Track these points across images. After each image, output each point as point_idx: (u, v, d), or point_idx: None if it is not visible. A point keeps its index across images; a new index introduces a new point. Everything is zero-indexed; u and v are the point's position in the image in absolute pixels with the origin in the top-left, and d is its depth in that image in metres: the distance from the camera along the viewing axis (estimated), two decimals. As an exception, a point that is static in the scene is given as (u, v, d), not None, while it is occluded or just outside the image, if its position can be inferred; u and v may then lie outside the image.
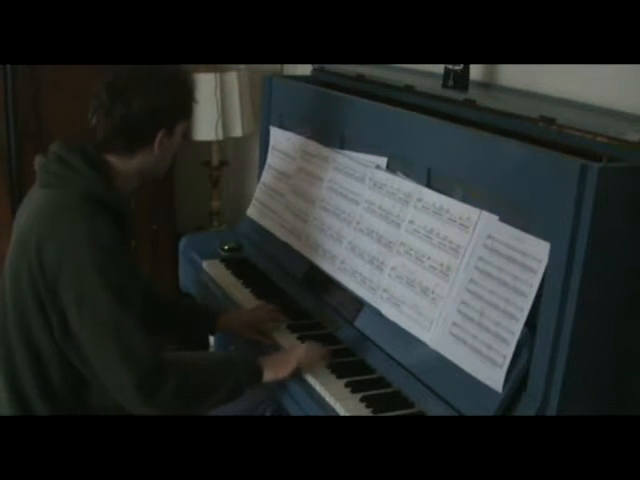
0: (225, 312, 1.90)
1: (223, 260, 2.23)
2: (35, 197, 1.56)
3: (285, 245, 2.07)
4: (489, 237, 1.45)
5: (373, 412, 1.48)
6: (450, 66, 1.84)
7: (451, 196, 1.58)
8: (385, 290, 1.69)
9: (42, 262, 1.45)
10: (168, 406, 1.47)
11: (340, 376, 1.60)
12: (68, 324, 1.47)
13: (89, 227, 1.45)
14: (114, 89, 1.51)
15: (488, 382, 1.39)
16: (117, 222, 1.50)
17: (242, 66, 2.87)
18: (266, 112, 2.33)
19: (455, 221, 1.54)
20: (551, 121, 1.48)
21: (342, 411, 1.49)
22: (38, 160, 1.57)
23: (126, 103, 1.50)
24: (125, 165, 1.57)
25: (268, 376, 1.59)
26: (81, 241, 1.44)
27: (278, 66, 2.77)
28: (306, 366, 1.61)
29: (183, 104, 1.60)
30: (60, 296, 1.45)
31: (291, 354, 1.63)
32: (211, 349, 2.41)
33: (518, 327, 1.36)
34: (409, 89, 1.88)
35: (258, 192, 2.29)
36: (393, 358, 1.61)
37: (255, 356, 1.62)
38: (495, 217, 1.46)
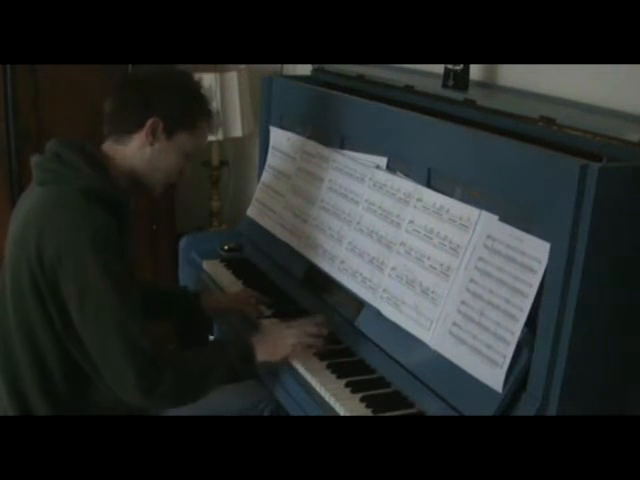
0: (205, 292, 1.99)
1: (223, 260, 2.23)
2: (32, 195, 1.56)
3: (285, 245, 2.07)
4: (489, 237, 1.45)
5: (373, 412, 1.48)
6: (450, 66, 1.84)
7: (451, 196, 1.57)
8: (385, 290, 1.69)
9: (42, 258, 1.45)
10: (168, 396, 1.49)
11: (340, 376, 1.60)
12: (69, 319, 1.47)
13: (88, 222, 1.46)
14: (134, 78, 1.61)
15: (488, 382, 1.39)
16: (116, 217, 1.50)
17: (242, 66, 2.87)
18: (266, 112, 2.33)
19: (455, 221, 1.54)
20: (551, 121, 1.48)
21: (342, 411, 1.49)
22: (34, 159, 1.57)
23: (139, 89, 1.57)
24: (120, 154, 1.58)
25: (260, 357, 1.61)
26: (80, 236, 1.45)
27: (278, 66, 2.77)
28: (298, 352, 1.64)
29: (192, 112, 1.61)
30: (61, 291, 1.46)
31: (284, 338, 1.64)
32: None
33: (518, 327, 1.36)
34: (409, 89, 1.88)
35: (258, 192, 2.29)
36: (393, 358, 1.61)
37: (246, 336, 1.65)
38: (495, 217, 1.45)
